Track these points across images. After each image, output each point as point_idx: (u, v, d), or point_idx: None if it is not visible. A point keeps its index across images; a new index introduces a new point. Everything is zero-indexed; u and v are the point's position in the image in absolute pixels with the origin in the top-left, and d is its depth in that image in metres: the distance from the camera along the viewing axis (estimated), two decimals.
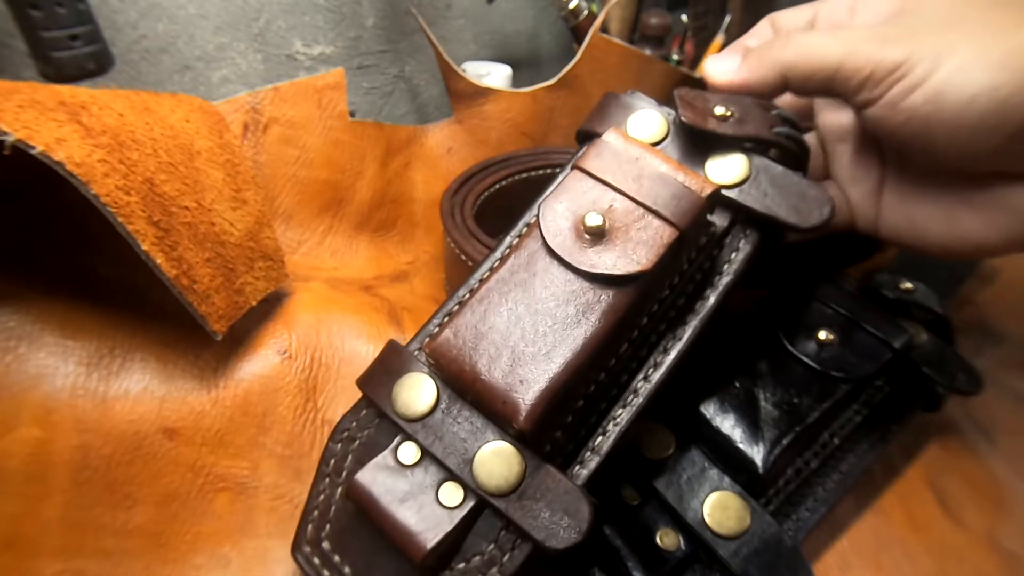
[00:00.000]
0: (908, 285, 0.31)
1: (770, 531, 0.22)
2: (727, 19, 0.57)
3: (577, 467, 0.21)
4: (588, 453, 0.22)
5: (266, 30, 0.44)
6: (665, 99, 0.25)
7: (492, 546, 0.20)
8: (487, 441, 0.20)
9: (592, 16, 0.50)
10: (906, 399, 0.28)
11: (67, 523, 0.22)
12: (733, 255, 0.24)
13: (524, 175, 0.40)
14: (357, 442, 0.22)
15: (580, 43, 0.45)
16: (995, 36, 0.21)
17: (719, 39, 0.55)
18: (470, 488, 0.20)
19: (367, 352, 0.29)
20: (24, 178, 0.26)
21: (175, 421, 0.25)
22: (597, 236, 0.21)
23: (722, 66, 0.26)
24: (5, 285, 0.24)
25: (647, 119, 0.25)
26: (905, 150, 0.25)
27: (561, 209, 0.21)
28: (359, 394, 0.23)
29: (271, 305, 0.29)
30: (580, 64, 0.44)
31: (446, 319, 0.23)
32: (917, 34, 0.22)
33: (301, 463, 0.26)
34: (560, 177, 0.25)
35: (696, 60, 0.57)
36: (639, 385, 0.22)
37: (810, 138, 0.30)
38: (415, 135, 0.44)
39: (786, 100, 0.30)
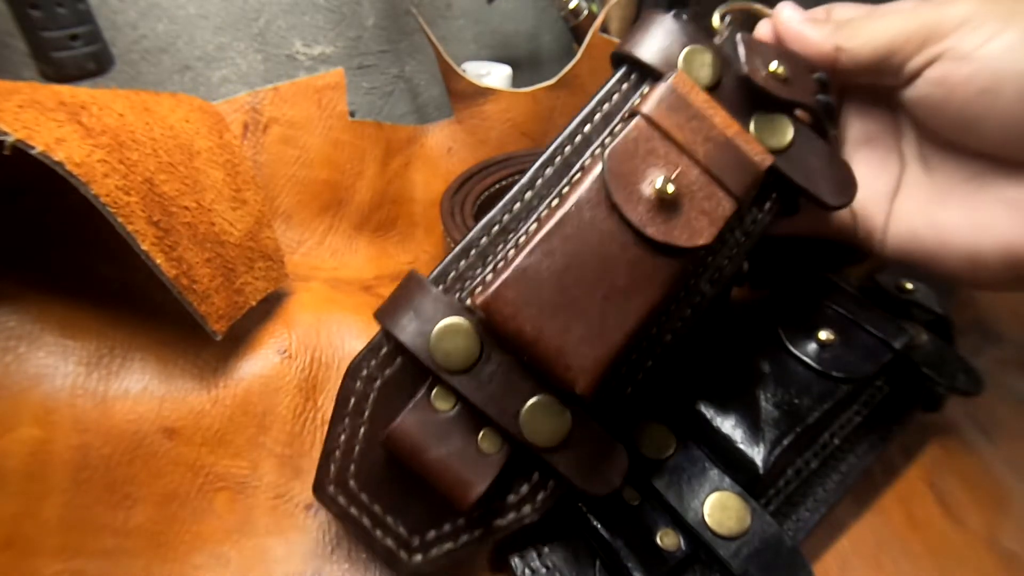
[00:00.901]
0: (908, 285, 0.31)
1: (770, 531, 0.22)
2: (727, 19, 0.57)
3: (608, 415, 0.22)
4: (613, 398, 0.22)
5: (266, 30, 0.44)
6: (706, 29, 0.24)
7: (526, 486, 0.21)
8: (533, 395, 0.20)
9: (592, 16, 0.50)
10: (906, 399, 0.28)
11: (67, 523, 0.22)
12: (760, 216, 0.23)
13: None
14: (378, 382, 0.22)
15: (580, 43, 0.45)
16: None
17: None
18: (509, 435, 0.20)
19: None
20: (24, 178, 0.26)
21: (175, 421, 0.25)
22: (667, 203, 0.20)
23: (792, 12, 0.25)
24: (5, 285, 0.24)
25: (700, 59, 0.22)
26: (948, 131, 0.23)
27: (629, 165, 0.20)
28: None
29: (271, 305, 0.29)
30: (580, 64, 0.44)
31: (492, 274, 0.21)
32: (984, 2, 0.21)
33: (301, 462, 0.26)
34: (626, 128, 0.21)
35: None
36: (667, 337, 0.23)
37: None
38: (415, 135, 0.44)
39: None
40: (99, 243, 0.26)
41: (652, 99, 0.21)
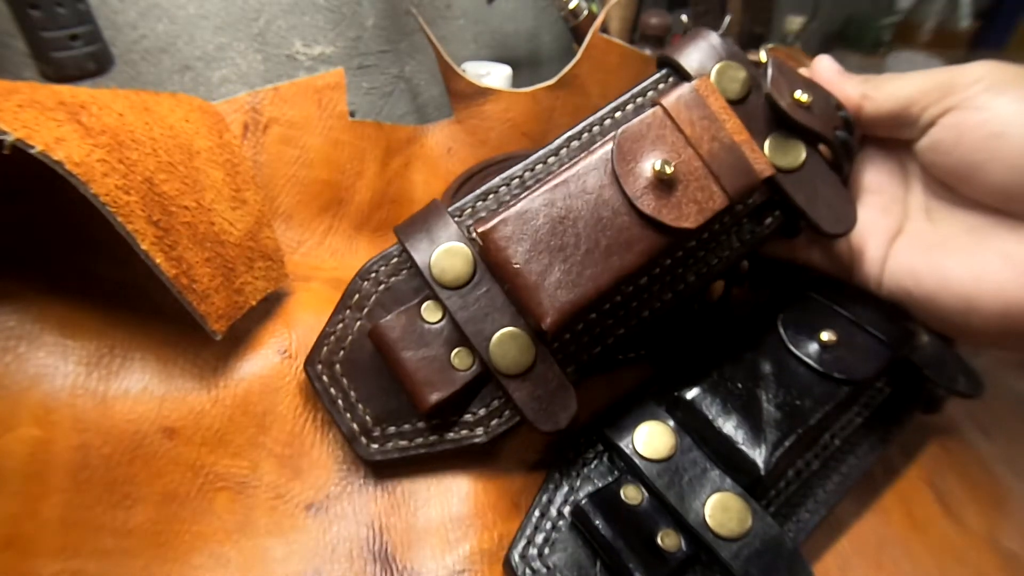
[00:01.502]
0: None
1: (771, 533, 0.22)
2: (727, 19, 0.57)
3: (573, 367, 0.24)
4: (583, 356, 0.24)
5: (266, 30, 0.44)
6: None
7: (484, 409, 0.23)
8: (507, 325, 0.22)
9: (592, 16, 0.50)
10: (906, 400, 0.28)
11: (66, 523, 0.22)
12: (758, 229, 0.26)
13: None
14: (383, 286, 0.24)
15: (580, 43, 0.45)
16: None
17: None
18: (480, 358, 0.23)
19: None
20: (24, 178, 0.26)
21: (175, 421, 0.25)
22: (663, 183, 0.22)
23: (831, 63, 0.28)
24: (5, 285, 0.24)
25: (732, 74, 0.25)
26: (955, 174, 0.25)
27: (639, 146, 0.22)
28: None
29: (271, 305, 0.29)
30: (580, 64, 0.44)
31: (497, 206, 0.24)
32: (997, 66, 0.24)
33: (301, 462, 0.26)
34: (643, 115, 0.23)
35: None
36: (644, 313, 0.25)
37: None
38: (415, 135, 0.44)
39: None
40: (99, 243, 0.26)
41: (673, 94, 0.23)
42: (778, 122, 0.25)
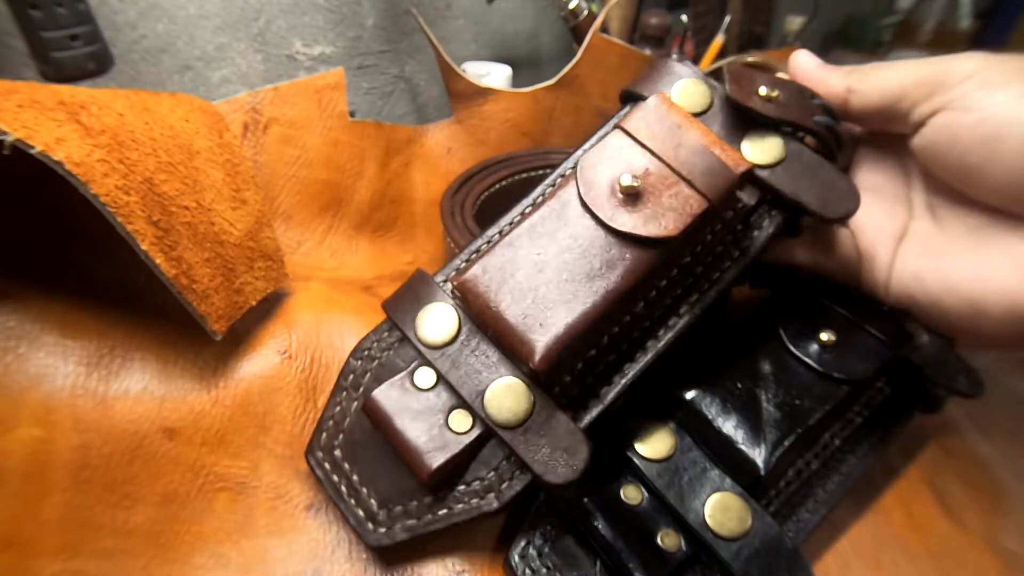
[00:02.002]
0: None
1: (771, 532, 0.22)
2: (727, 19, 0.57)
3: (580, 411, 0.23)
4: (593, 400, 0.23)
5: (266, 30, 0.44)
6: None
7: (492, 474, 0.22)
8: (501, 376, 0.22)
9: (592, 16, 0.50)
10: (906, 400, 0.28)
11: (67, 523, 0.22)
12: (756, 233, 0.25)
13: (524, 175, 0.40)
14: (376, 362, 0.24)
15: (580, 43, 0.45)
16: None
17: (719, 39, 0.55)
18: (479, 417, 0.22)
19: None
20: (24, 178, 0.26)
21: (175, 421, 0.25)
22: (630, 196, 0.21)
23: (809, 58, 0.27)
24: (5, 285, 0.24)
25: (693, 89, 0.25)
26: (953, 176, 0.24)
27: (599, 166, 0.22)
28: None
29: (271, 305, 0.29)
30: (580, 64, 0.44)
31: (474, 256, 0.24)
32: (989, 59, 0.22)
33: (301, 463, 0.26)
34: (601, 132, 0.25)
35: (696, 60, 0.57)
36: (649, 344, 0.23)
37: None
38: (415, 135, 0.44)
39: None
40: (99, 243, 0.26)
41: (631, 114, 0.23)
42: (750, 123, 0.24)
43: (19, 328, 0.24)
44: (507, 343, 0.21)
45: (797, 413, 0.24)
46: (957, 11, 0.81)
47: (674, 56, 0.27)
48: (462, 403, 0.22)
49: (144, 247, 0.22)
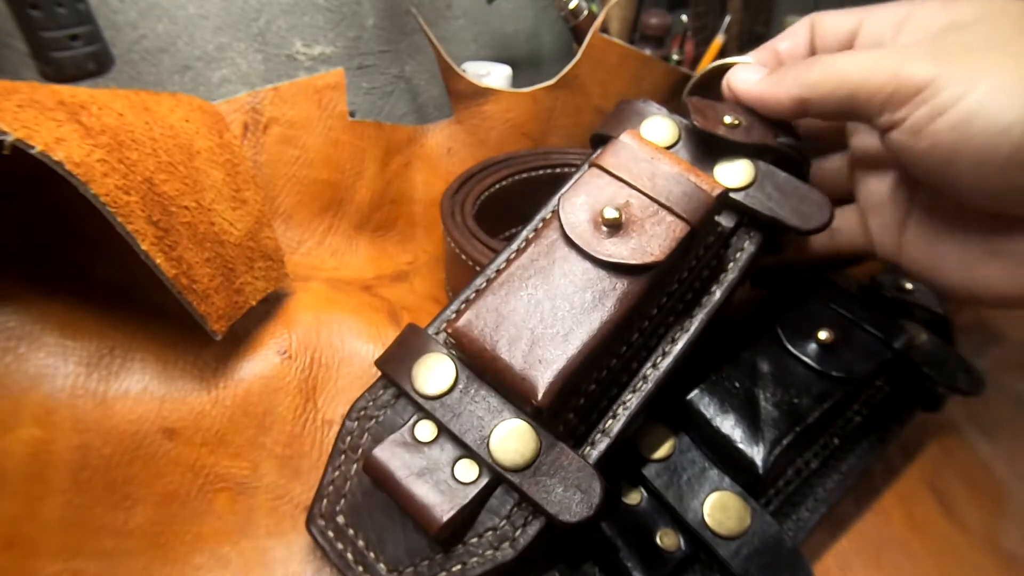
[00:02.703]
0: (908, 285, 0.31)
1: (770, 531, 0.22)
2: (727, 19, 0.57)
3: (588, 448, 0.22)
4: (599, 435, 0.22)
5: (266, 30, 0.44)
6: (673, 105, 0.27)
7: (505, 522, 0.21)
8: (504, 419, 0.21)
9: (592, 16, 0.50)
10: (906, 399, 0.28)
11: (67, 523, 0.22)
12: (738, 254, 0.25)
13: (524, 175, 0.40)
14: (373, 421, 0.23)
15: (580, 43, 0.45)
16: None
17: (719, 39, 0.55)
18: (485, 464, 0.21)
19: (367, 352, 0.29)
20: (24, 178, 0.26)
21: (175, 421, 0.25)
22: (614, 228, 0.22)
23: (745, 76, 0.26)
24: (5, 285, 0.24)
25: (660, 125, 0.26)
26: (929, 183, 0.23)
27: (580, 203, 0.22)
28: (359, 394, 0.23)
29: (271, 305, 0.29)
30: (580, 64, 0.44)
31: (464, 304, 0.24)
32: (950, 54, 0.20)
33: (301, 463, 0.26)
34: (578, 174, 0.25)
35: (696, 60, 0.57)
36: (648, 372, 0.23)
37: (836, 161, 0.30)
38: (415, 135, 0.44)
39: (813, 123, 0.28)
40: (99, 243, 0.26)
41: (604, 152, 0.23)
42: (718, 151, 0.25)
43: (19, 328, 0.24)
44: (508, 384, 0.20)
45: (795, 412, 0.24)
46: None
47: (642, 102, 0.27)
48: (466, 452, 0.21)
49: (144, 247, 0.22)
